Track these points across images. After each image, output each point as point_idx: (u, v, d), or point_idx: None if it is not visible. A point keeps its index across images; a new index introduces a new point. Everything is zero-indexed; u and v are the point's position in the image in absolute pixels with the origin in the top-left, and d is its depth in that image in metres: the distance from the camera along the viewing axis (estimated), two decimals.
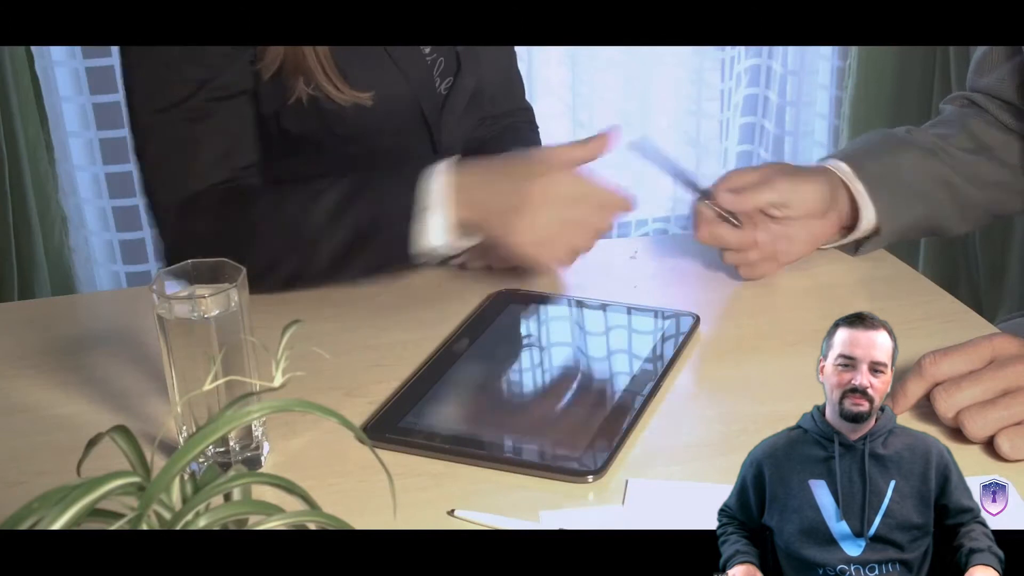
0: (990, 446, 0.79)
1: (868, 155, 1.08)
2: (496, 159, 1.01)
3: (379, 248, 1.00)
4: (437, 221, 0.98)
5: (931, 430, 0.79)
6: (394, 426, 0.84)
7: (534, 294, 1.05)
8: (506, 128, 1.35)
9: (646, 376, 0.90)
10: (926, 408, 0.83)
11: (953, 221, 1.14)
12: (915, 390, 0.83)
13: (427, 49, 1.16)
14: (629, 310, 1.02)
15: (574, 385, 0.91)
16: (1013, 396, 0.79)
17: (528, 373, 0.93)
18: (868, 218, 1.06)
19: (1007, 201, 1.15)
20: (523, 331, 1.01)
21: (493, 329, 0.99)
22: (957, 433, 0.80)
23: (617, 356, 0.95)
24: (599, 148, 0.99)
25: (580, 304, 1.04)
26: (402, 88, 1.13)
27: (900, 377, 0.83)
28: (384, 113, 1.12)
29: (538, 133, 1.40)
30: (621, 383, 0.89)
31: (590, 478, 0.77)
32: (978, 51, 1.21)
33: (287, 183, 1.06)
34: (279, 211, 1.02)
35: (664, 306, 1.01)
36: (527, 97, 1.42)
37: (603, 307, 1.02)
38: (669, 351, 0.94)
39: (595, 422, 0.84)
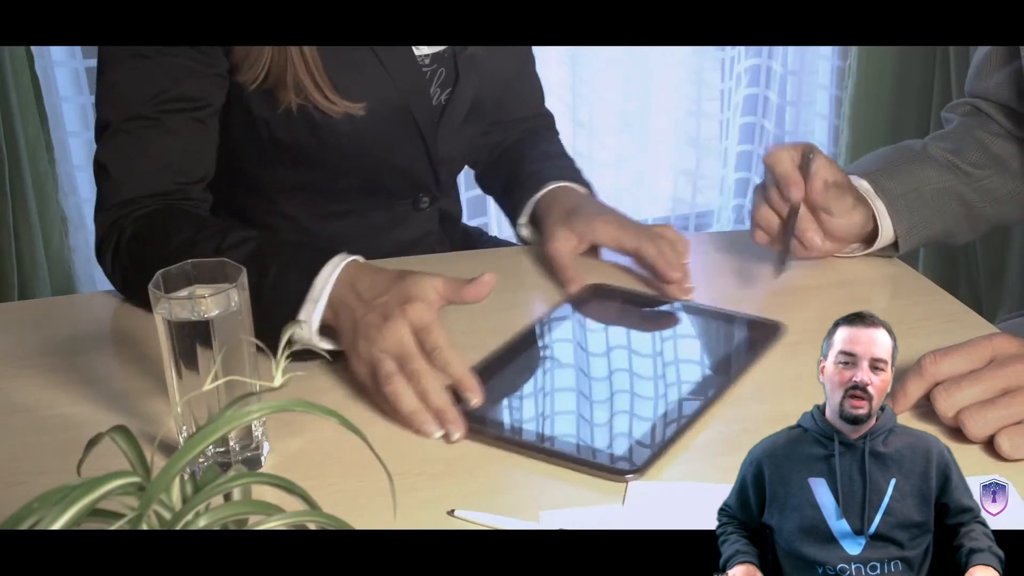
0: (990, 446, 0.79)
1: (887, 173, 1.08)
2: (386, 272, 0.91)
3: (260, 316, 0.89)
4: (312, 313, 0.91)
5: (931, 430, 0.79)
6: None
7: (623, 291, 1.05)
8: (524, 133, 1.34)
9: (709, 383, 0.89)
10: (926, 408, 0.83)
11: (963, 235, 1.15)
12: (915, 390, 0.83)
13: (427, 60, 1.15)
14: (715, 314, 1.00)
15: (634, 384, 0.90)
16: (1013, 395, 0.79)
17: (596, 366, 0.93)
18: (887, 235, 1.07)
19: (1013, 212, 1.16)
20: (600, 326, 1.01)
21: (574, 321, 1.00)
22: (957, 433, 0.80)
23: (688, 360, 0.94)
24: (476, 294, 0.89)
25: (668, 305, 1.02)
26: (394, 98, 1.12)
27: (900, 377, 0.83)
28: (376, 124, 1.11)
29: (557, 141, 1.38)
30: (684, 388, 0.89)
31: (629, 477, 0.77)
32: (977, 55, 1.21)
33: (209, 222, 1.04)
34: (189, 252, 0.94)
35: (754, 314, 1.00)
36: None
37: (689, 309, 1.01)
38: (742, 360, 0.92)
39: (644, 423, 0.84)
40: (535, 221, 1.18)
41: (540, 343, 0.97)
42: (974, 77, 1.21)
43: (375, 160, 1.15)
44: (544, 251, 1.10)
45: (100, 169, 1.07)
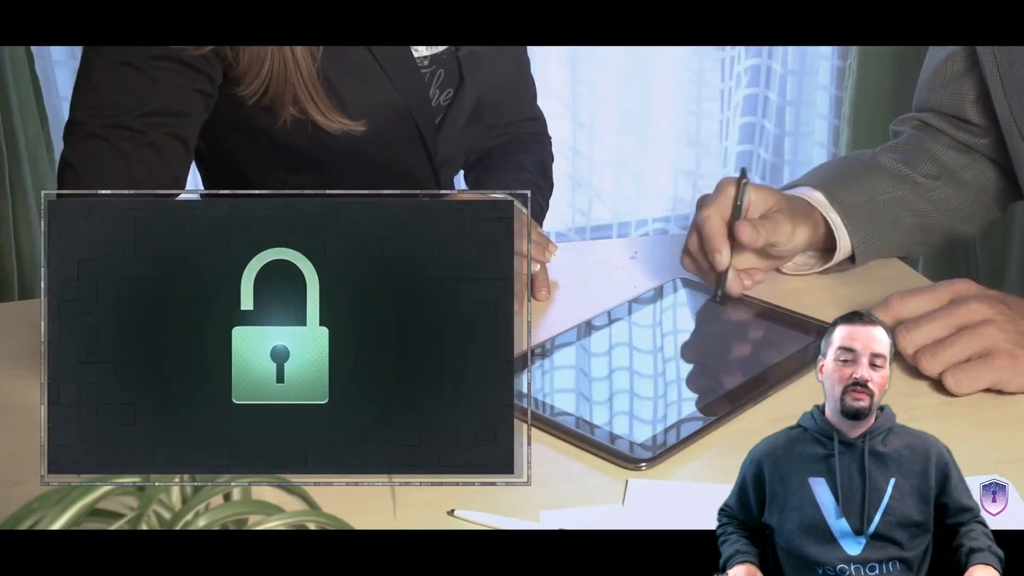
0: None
1: (840, 183, 1.07)
2: None
3: None
4: None
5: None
6: None
7: (696, 283, 1.06)
8: (512, 139, 1.34)
9: (747, 386, 0.88)
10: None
11: (917, 247, 1.14)
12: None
13: (426, 60, 1.15)
14: (783, 318, 0.98)
15: (676, 378, 0.91)
16: (963, 333, 0.85)
17: (647, 357, 0.94)
18: (844, 248, 1.05)
19: (965, 223, 1.15)
20: (669, 318, 1.01)
21: (647, 310, 1.01)
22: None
23: (738, 361, 0.94)
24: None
25: (745, 305, 1.00)
26: (394, 101, 1.12)
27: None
28: (376, 126, 1.11)
29: (547, 144, 1.38)
30: (722, 388, 0.89)
31: (643, 466, 0.78)
32: (927, 68, 1.18)
33: None
34: None
35: (812, 319, 0.98)
36: None
37: (764, 312, 0.99)
38: (790, 366, 0.91)
39: (672, 416, 0.85)
40: None
41: (607, 327, 0.98)
42: (927, 88, 1.18)
43: (376, 162, 1.15)
44: None
45: (67, 168, 1.06)
